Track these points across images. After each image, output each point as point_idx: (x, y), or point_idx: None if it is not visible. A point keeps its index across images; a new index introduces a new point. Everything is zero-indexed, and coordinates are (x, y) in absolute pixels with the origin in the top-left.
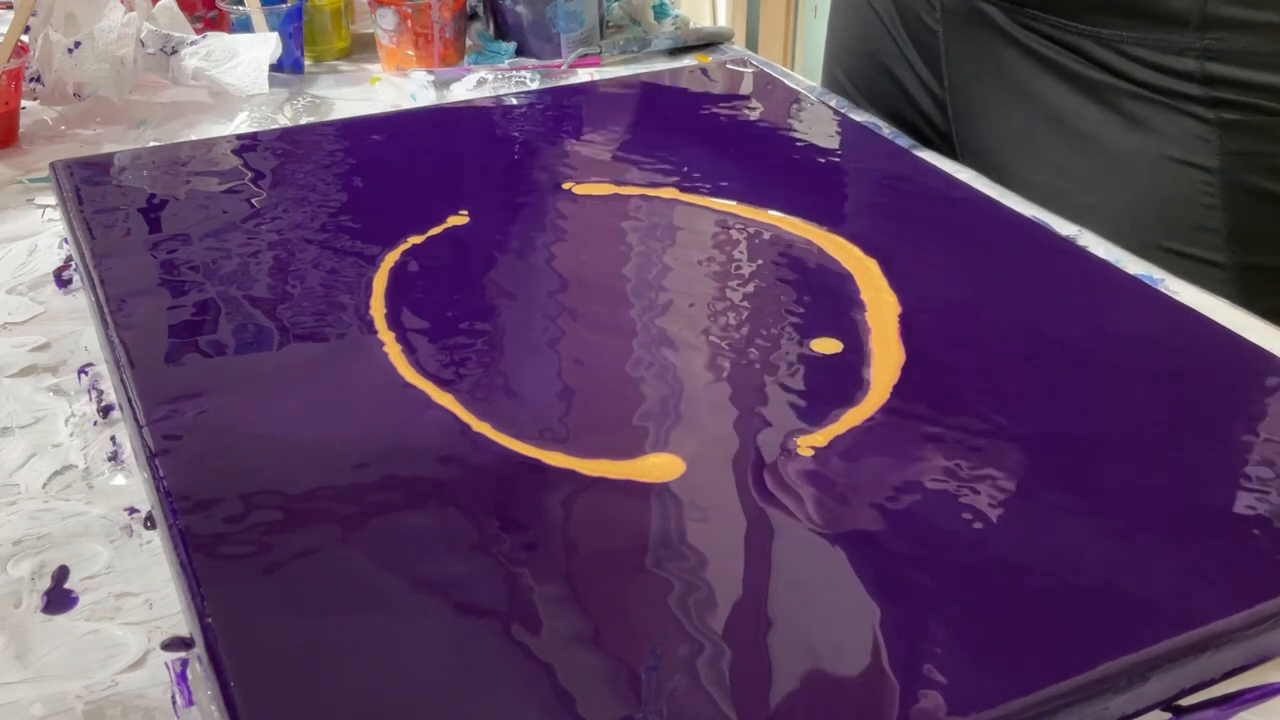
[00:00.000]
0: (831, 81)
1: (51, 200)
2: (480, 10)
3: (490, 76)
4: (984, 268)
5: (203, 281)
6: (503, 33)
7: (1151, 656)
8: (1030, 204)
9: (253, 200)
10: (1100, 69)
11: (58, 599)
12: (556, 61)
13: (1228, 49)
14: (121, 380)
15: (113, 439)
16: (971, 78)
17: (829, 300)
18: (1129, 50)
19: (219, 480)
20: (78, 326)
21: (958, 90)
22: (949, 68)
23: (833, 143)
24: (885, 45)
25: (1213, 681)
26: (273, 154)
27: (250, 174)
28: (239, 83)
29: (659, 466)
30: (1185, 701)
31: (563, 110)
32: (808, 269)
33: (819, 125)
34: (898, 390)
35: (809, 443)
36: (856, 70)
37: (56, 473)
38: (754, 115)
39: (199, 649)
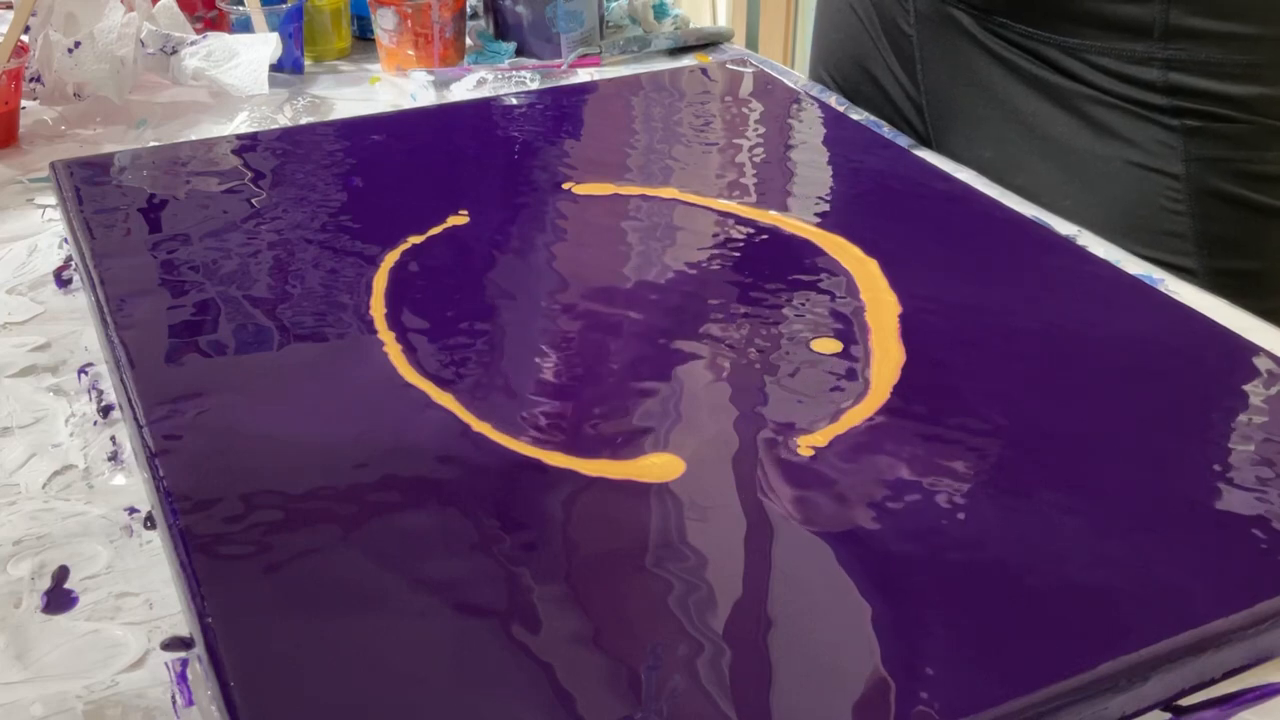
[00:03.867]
0: (818, 81)
1: (51, 200)
2: (480, 10)
3: (490, 76)
4: (984, 268)
5: (203, 281)
6: (503, 33)
7: (1151, 656)
8: (1030, 204)
9: (253, 200)
10: (1067, 76)
11: (58, 599)
12: (556, 61)
13: (1190, 59)
14: (121, 380)
15: (113, 439)
16: (946, 83)
17: (829, 300)
18: (1094, 59)
19: (219, 480)
20: (78, 326)
21: (933, 94)
22: (924, 72)
23: (833, 143)
24: (867, 48)
25: (1213, 681)
26: (273, 154)
27: (250, 174)
28: (239, 83)
29: (659, 466)
30: (1185, 701)
31: (563, 110)
32: (807, 269)
33: (819, 125)
34: (898, 390)
35: (809, 443)
36: (840, 72)
37: (56, 473)
38: (754, 115)
39: (199, 649)
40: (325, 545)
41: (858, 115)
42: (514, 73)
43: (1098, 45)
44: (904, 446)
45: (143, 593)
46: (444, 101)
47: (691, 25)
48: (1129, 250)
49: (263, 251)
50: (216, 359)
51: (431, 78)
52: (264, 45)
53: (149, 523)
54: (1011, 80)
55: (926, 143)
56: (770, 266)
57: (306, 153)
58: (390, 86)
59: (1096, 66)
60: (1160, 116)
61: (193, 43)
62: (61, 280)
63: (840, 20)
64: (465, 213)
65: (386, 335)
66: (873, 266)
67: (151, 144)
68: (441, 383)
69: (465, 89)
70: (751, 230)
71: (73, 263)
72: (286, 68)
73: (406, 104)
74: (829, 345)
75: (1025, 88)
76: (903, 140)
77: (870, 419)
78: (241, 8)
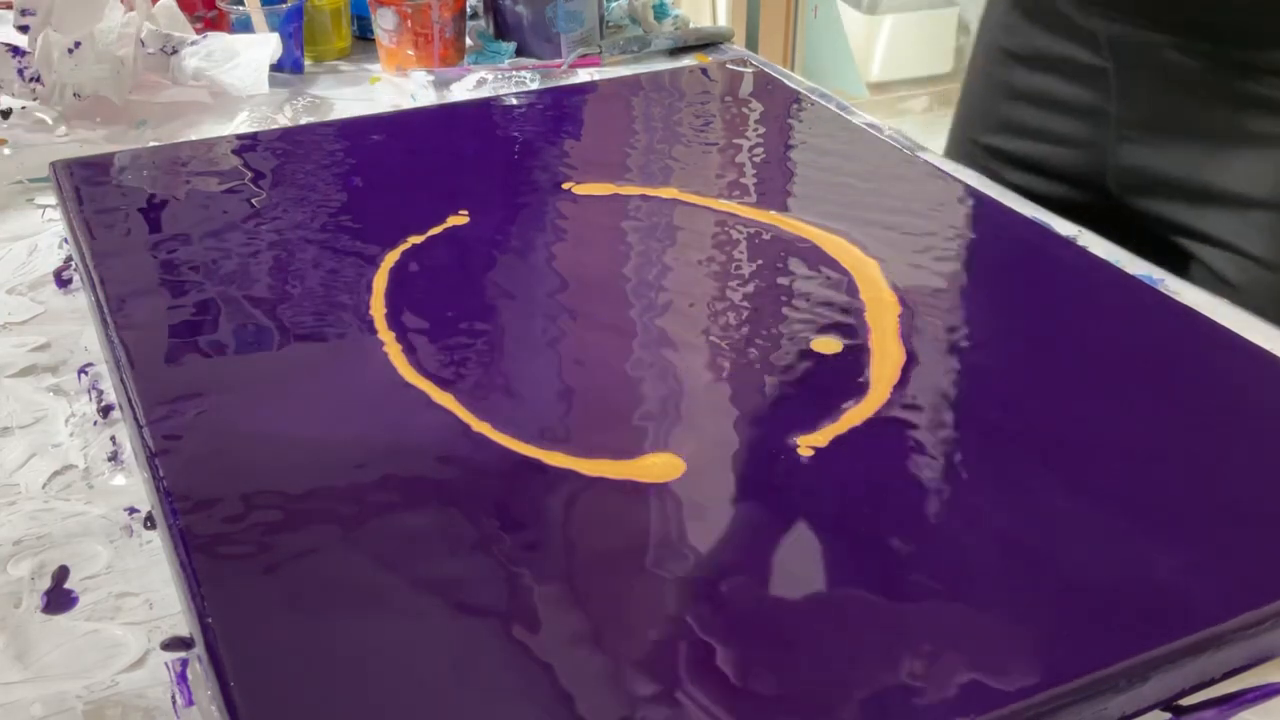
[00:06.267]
0: (968, 157)
1: (51, 200)
2: (480, 10)
3: (490, 76)
4: (984, 268)
5: (203, 281)
6: (503, 33)
7: (1151, 656)
8: (1030, 204)
9: (253, 200)
10: None
11: (58, 599)
12: (556, 61)
13: None
14: (121, 380)
15: (113, 439)
16: (1152, 97)
17: (829, 300)
18: None
19: (219, 480)
20: (78, 326)
21: (1134, 112)
22: (1118, 88)
23: (832, 143)
24: (1010, 104)
25: (1213, 681)
26: (273, 154)
27: (250, 174)
28: (239, 83)
29: (659, 466)
30: (1185, 701)
31: (563, 110)
32: (808, 269)
33: (818, 125)
34: (898, 390)
35: (809, 442)
36: (1002, 136)
37: (56, 473)
38: (754, 115)
39: (199, 649)
40: (325, 545)
41: (856, 117)
42: (514, 73)
43: None
44: (904, 446)
45: (143, 593)
46: (444, 101)
47: (691, 25)
48: None
49: (263, 251)
50: (216, 359)
51: (431, 78)
52: (264, 45)
53: (149, 523)
54: (1230, 87)
55: (1102, 151)
56: (770, 267)
57: (306, 153)
58: (390, 86)
59: None
60: None
61: (193, 43)
62: (61, 280)
63: (980, 88)
64: (465, 213)
65: (386, 335)
66: (873, 266)
67: (151, 144)
68: (441, 383)
69: (465, 89)
70: (751, 230)
71: (73, 263)
72: (286, 68)
73: (406, 104)
74: (829, 345)
75: (1245, 108)
76: (902, 140)
77: (870, 419)
78: (241, 8)
